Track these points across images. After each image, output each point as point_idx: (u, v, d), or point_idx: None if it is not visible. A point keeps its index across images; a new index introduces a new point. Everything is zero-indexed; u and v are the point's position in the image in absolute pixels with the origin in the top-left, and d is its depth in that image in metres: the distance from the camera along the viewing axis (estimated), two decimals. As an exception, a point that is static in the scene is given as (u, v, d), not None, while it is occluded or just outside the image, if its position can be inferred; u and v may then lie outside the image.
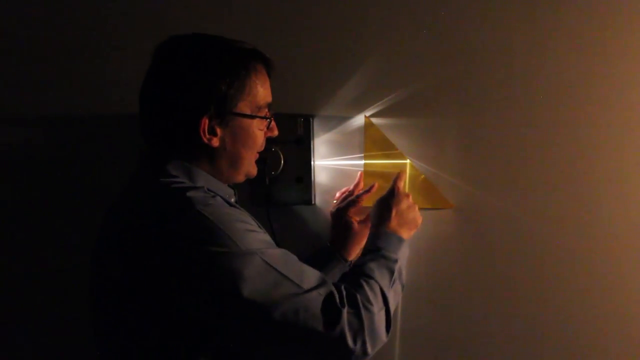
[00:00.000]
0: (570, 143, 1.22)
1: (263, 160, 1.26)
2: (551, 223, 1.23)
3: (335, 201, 1.28)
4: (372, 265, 0.98)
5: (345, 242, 1.22)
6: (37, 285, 1.40)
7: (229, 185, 1.03)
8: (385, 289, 0.94)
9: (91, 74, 1.34)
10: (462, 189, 1.25)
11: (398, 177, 1.19)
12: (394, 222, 1.09)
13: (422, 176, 1.27)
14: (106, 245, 0.91)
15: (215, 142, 0.93)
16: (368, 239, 1.10)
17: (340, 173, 1.30)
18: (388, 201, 1.13)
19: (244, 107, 0.94)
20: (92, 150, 1.36)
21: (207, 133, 0.92)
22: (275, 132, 1.03)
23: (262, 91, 0.96)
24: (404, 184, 1.22)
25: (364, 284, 0.92)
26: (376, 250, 1.03)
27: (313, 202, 1.30)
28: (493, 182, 1.25)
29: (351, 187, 1.28)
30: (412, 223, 1.13)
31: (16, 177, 1.39)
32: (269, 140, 1.04)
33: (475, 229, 1.26)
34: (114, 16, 1.34)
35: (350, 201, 1.23)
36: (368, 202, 1.25)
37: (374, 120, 1.28)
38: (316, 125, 1.29)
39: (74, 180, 1.37)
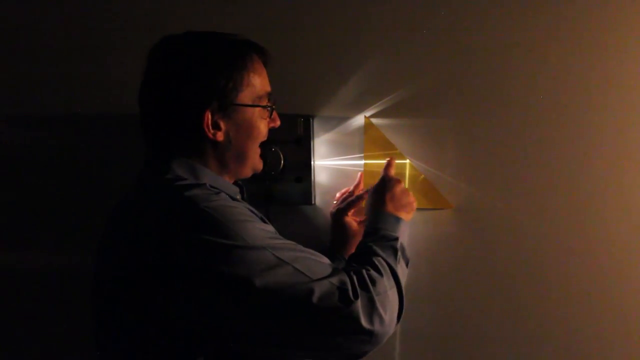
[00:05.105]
0: (570, 143, 1.22)
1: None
2: (551, 223, 1.23)
3: (335, 202, 1.28)
4: (376, 246, 0.99)
5: (346, 243, 1.22)
6: (39, 285, 1.40)
7: (236, 183, 1.03)
8: (394, 266, 0.96)
9: (91, 74, 1.34)
10: (462, 189, 1.25)
11: (388, 164, 1.20)
12: (389, 207, 1.10)
13: (422, 176, 1.27)
14: (109, 246, 0.91)
15: (220, 136, 0.94)
16: (367, 223, 1.09)
17: (340, 173, 1.30)
18: (380, 188, 1.14)
19: (244, 99, 0.95)
20: (94, 151, 1.36)
21: (211, 128, 0.93)
22: (278, 122, 1.04)
23: (259, 81, 0.97)
24: (394, 171, 1.22)
25: (373, 262, 0.94)
26: (375, 231, 1.04)
27: (313, 202, 1.30)
28: (493, 182, 1.25)
29: (351, 187, 1.28)
30: (408, 206, 1.13)
31: (17, 177, 1.40)
32: (269, 140, 1.04)
33: (475, 229, 1.26)
34: (114, 16, 1.34)
35: (350, 201, 1.23)
36: (368, 202, 1.26)
37: (374, 120, 1.27)
38: (316, 125, 1.29)
39: (76, 180, 1.37)
